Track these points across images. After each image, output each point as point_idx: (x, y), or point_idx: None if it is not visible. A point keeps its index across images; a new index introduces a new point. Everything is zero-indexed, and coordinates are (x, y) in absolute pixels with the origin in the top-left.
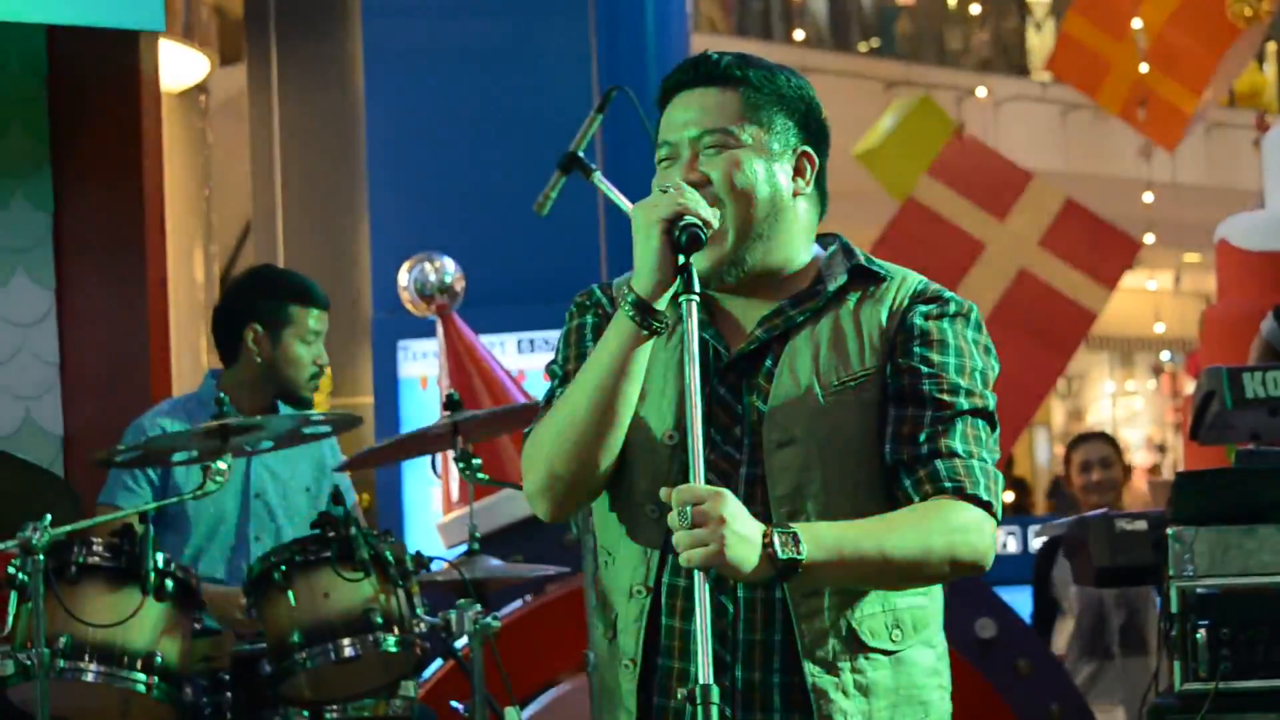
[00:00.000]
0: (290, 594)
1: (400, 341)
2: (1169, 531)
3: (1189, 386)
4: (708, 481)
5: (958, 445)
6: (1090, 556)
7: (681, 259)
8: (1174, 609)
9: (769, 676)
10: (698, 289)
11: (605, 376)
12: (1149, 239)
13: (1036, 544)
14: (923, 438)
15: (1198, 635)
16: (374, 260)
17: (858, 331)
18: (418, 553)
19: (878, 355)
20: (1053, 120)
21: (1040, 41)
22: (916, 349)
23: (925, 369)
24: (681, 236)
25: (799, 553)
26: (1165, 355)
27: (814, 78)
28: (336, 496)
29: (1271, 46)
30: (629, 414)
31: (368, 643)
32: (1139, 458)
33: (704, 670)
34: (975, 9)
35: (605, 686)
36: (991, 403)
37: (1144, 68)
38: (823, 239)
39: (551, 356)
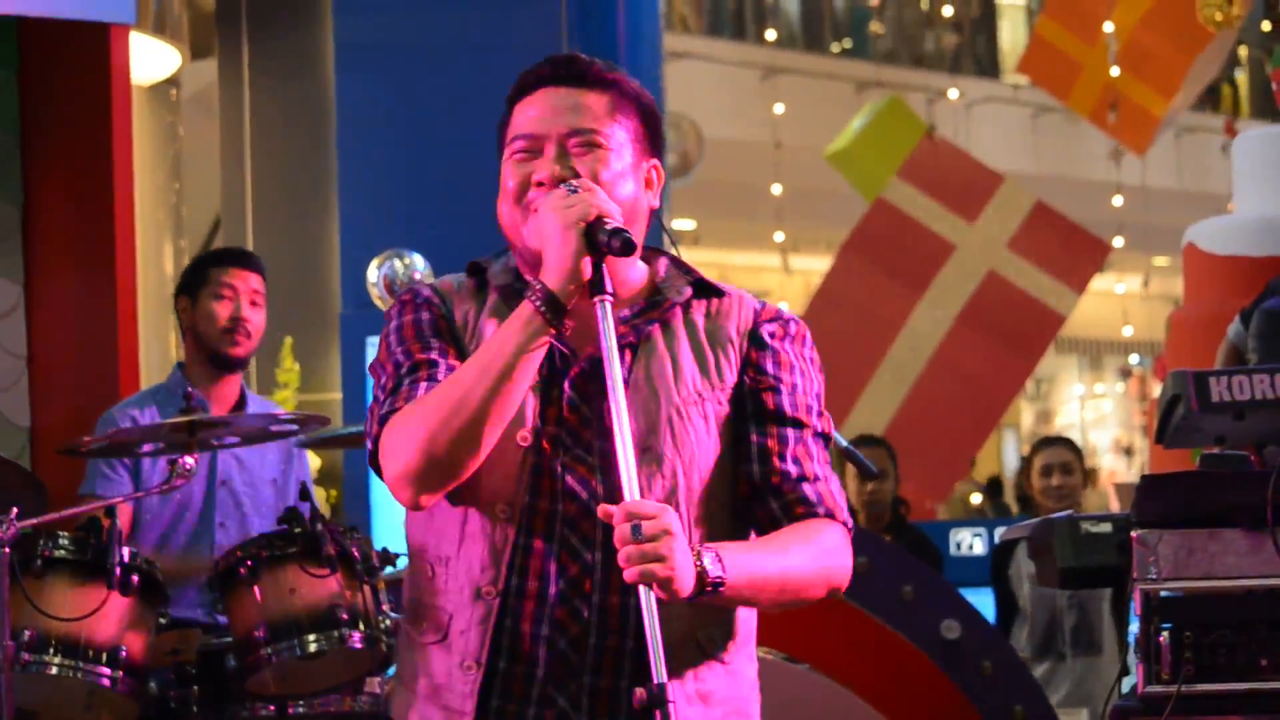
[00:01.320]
0: (256, 589)
1: (369, 337)
2: (1134, 534)
3: (1157, 389)
4: (564, 488)
5: (819, 469)
6: (1055, 558)
7: (595, 260)
8: (1137, 611)
9: (619, 682)
10: (610, 290)
11: (506, 364)
12: (1118, 242)
13: None
14: (789, 459)
15: (1160, 638)
16: (343, 256)
17: (709, 346)
18: (384, 549)
19: (732, 370)
20: (1024, 123)
21: (1012, 44)
22: (770, 369)
23: (783, 389)
24: (612, 241)
25: (724, 572)
26: (1134, 358)
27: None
28: (304, 492)
29: (1243, 51)
30: (517, 405)
31: (333, 639)
32: (1107, 460)
33: (658, 669)
34: (948, 11)
35: (425, 682)
36: (830, 422)
37: (1115, 71)
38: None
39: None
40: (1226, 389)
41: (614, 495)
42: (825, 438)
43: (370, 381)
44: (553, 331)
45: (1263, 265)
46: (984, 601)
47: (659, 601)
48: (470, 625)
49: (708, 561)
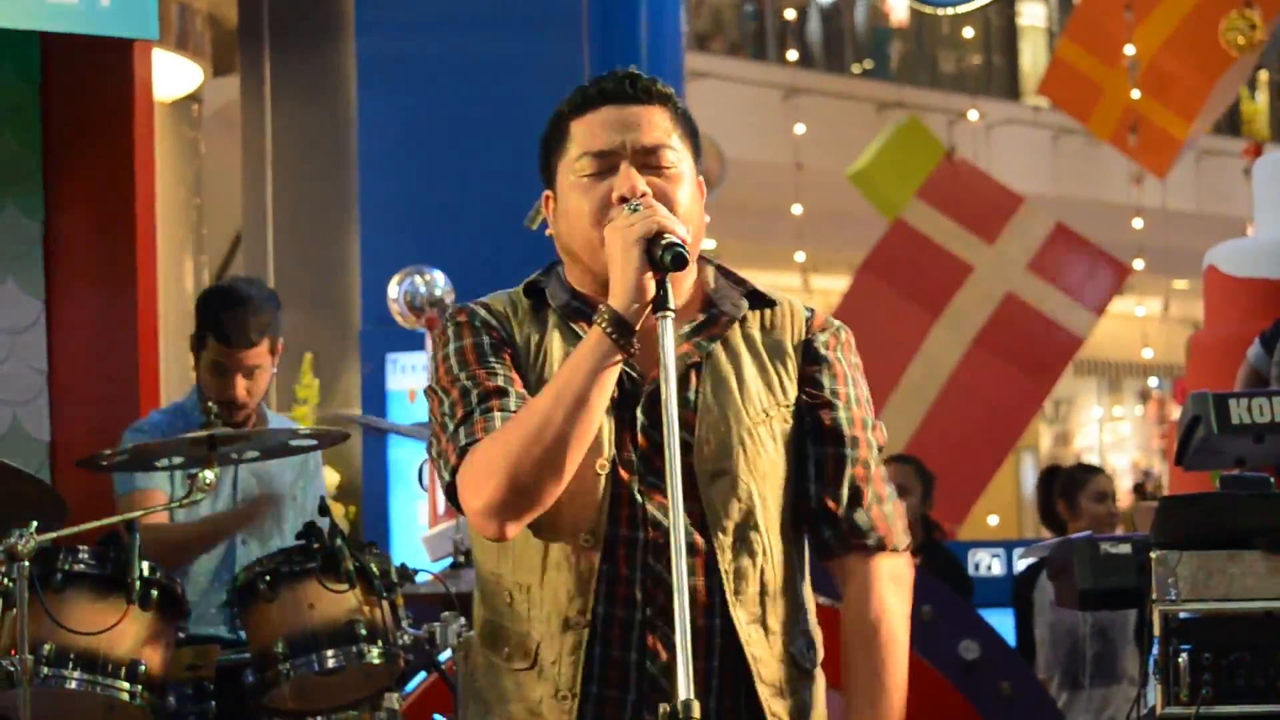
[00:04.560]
0: (275, 604)
1: (389, 354)
2: (1153, 555)
3: (1176, 412)
4: (644, 515)
5: (873, 489)
6: (1074, 579)
7: (658, 277)
8: (1156, 633)
9: (708, 701)
10: (673, 307)
11: (582, 389)
12: (1138, 265)
13: (1021, 566)
14: (845, 483)
15: (1179, 659)
16: (364, 272)
17: (770, 361)
18: (402, 565)
19: (793, 384)
20: (1044, 145)
21: (1033, 66)
22: (825, 382)
23: (839, 404)
24: (665, 256)
25: None
26: (1153, 381)
27: (807, 98)
28: (323, 507)
29: (1263, 75)
30: (595, 429)
31: (351, 654)
32: (1125, 483)
33: (684, 686)
34: (969, 32)
35: (517, 708)
36: (884, 430)
37: (1136, 94)
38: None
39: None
40: (1247, 411)
41: (694, 518)
42: (880, 446)
43: (390, 403)
44: (622, 354)
45: None
46: (1002, 623)
47: (756, 620)
48: (561, 655)
49: None
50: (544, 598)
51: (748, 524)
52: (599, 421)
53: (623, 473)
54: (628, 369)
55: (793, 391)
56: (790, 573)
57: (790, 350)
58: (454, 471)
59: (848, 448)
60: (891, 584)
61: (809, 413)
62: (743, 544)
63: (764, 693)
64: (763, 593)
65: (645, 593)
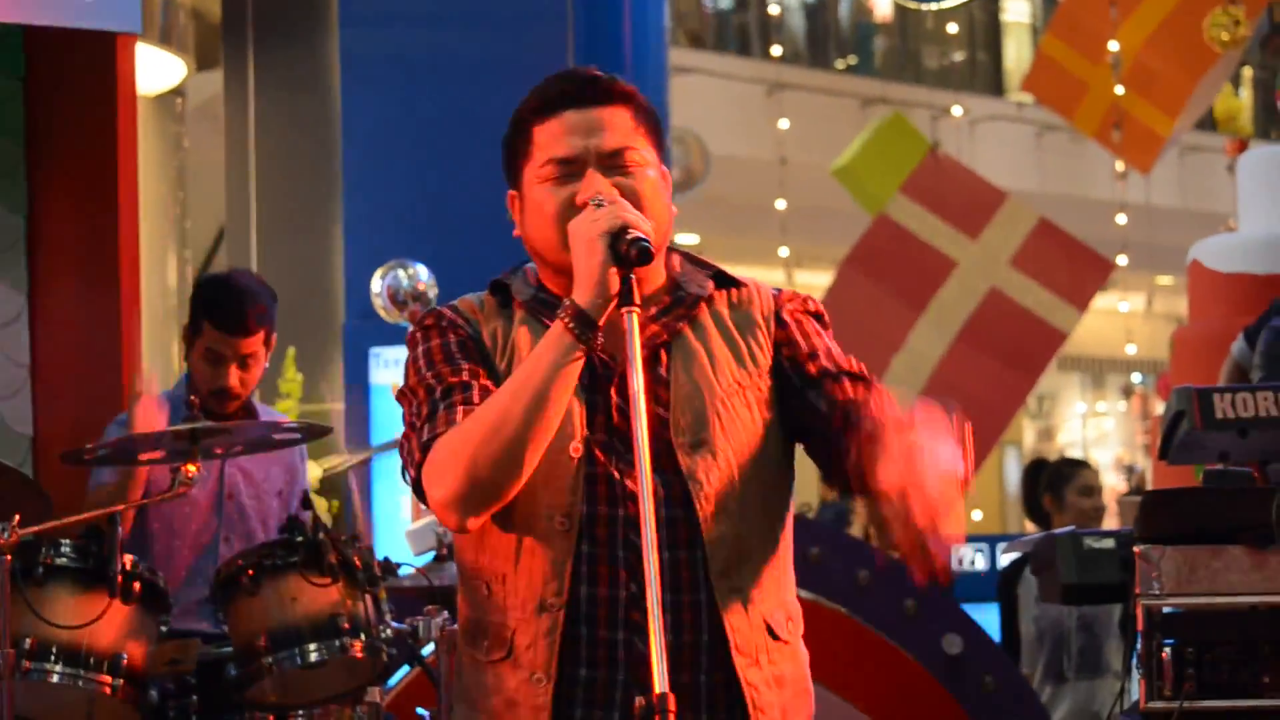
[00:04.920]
0: (257, 598)
1: (372, 348)
2: (1136, 550)
3: (1159, 408)
4: (622, 492)
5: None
6: (1058, 574)
7: (622, 272)
8: (1140, 627)
9: (698, 676)
10: (639, 302)
11: (542, 383)
12: (1122, 260)
13: (1004, 560)
14: (845, 381)
15: (1163, 654)
16: (347, 266)
17: (739, 334)
18: (385, 559)
19: (765, 354)
20: (1028, 141)
21: (1017, 62)
22: (801, 341)
23: (820, 352)
24: (630, 250)
25: None
26: (1136, 377)
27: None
28: (305, 501)
29: (1247, 71)
30: (557, 423)
31: (334, 648)
32: (1108, 479)
33: (660, 679)
34: (953, 28)
35: (497, 699)
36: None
37: (1120, 90)
38: None
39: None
40: (1230, 406)
41: (671, 492)
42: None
43: (372, 397)
44: (585, 348)
45: (1267, 283)
46: (986, 618)
47: (735, 589)
48: (536, 639)
49: None
50: (519, 584)
51: (728, 493)
52: (560, 416)
53: (598, 453)
54: (598, 354)
55: (764, 360)
56: (771, 544)
57: (760, 321)
58: (419, 466)
59: (839, 374)
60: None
61: (794, 369)
62: (724, 513)
63: (740, 662)
64: (742, 561)
65: (629, 569)
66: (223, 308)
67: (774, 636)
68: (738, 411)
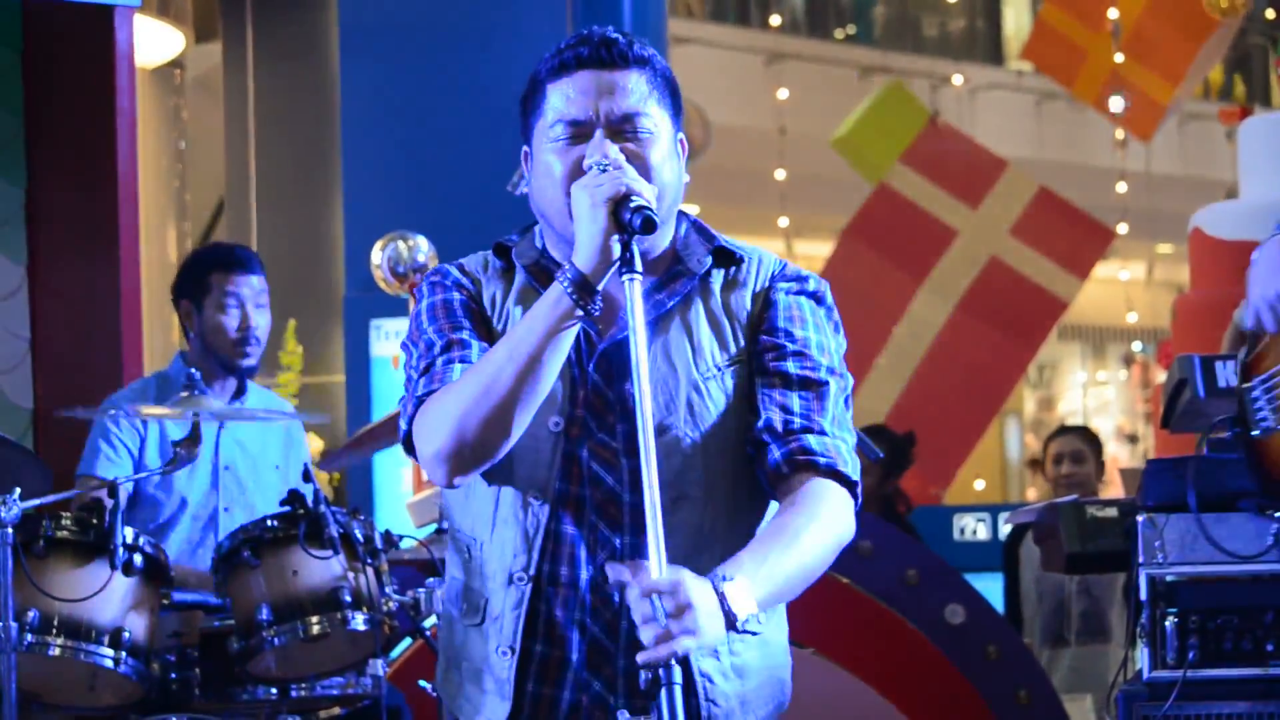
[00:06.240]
0: (259, 571)
1: (373, 320)
2: (1139, 518)
3: (1160, 377)
4: (590, 473)
5: (826, 424)
6: (1061, 543)
7: (623, 238)
8: (1143, 596)
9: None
10: (639, 269)
11: (536, 346)
12: (1122, 229)
13: (1006, 530)
14: (795, 409)
15: (1166, 622)
16: (347, 238)
17: (727, 315)
18: (387, 531)
19: (746, 338)
20: (1028, 109)
21: (1016, 30)
22: (780, 325)
23: (790, 345)
24: (634, 219)
25: (753, 609)
26: (1137, 346)
27: (790, 64)
28: (306, 474)
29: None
30: (548, 388)
31: (336, 621)
32: (1110, 448)
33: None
34: None
35: (467, 665)
36: (849, 382)
37: (1119, 58)
38: None
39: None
40: (1233, 374)
41: (637, 479)
42: (844, 395)
43: (374, 369)
44: (581, 313)
45: None
46: (987, 586)
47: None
48: (505, 610)
49: (731, 598)
50: (493, 554)
51: (688, 479)
52: (552, 379)
53: (573, 430)
54: (586, 326)
55: (744, 343)
56: (740, 532)
57: (747, 302)
58: (410, 420)
59: (795, 385)
60: (836, 499)
61: (761, 355)
62: (684, 500)
63: (694, 652)
64: (701, 549)
65: (590, 551)
66: (228, 251)
67: (734, 627)
68: (712, 396)
